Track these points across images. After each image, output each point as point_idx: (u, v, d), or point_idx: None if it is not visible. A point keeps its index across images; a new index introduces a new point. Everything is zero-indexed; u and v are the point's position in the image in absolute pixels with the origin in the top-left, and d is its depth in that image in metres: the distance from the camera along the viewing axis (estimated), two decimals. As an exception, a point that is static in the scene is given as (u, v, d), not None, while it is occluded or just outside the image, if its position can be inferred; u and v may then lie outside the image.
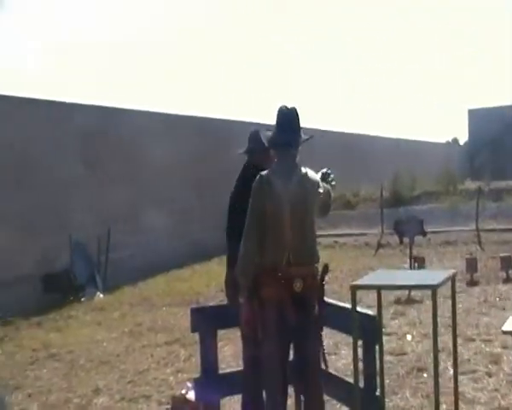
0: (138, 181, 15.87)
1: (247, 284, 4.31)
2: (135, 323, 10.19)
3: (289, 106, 4.45)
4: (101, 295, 12.79)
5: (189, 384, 6.38)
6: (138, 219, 15.83)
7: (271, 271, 4.26)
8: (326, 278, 4.45)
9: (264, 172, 4.38)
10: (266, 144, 4.56)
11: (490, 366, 6.88)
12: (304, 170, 4.39)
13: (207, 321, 5.47)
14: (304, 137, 4.45)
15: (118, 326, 10.07)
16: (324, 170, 4.82)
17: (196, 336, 5.90)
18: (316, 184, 4.40)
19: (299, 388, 4.65)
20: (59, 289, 12.51)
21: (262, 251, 4.29)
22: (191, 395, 5.73)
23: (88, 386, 7.20)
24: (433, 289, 4.31)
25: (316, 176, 4.48)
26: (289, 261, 4.26)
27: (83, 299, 12.40)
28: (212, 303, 10.26)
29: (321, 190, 4.43)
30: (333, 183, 4.78)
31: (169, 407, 5.97)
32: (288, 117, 4.42)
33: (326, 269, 4.39)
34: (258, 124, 4.77)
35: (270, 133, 4.53)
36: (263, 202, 4.29)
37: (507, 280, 11.67)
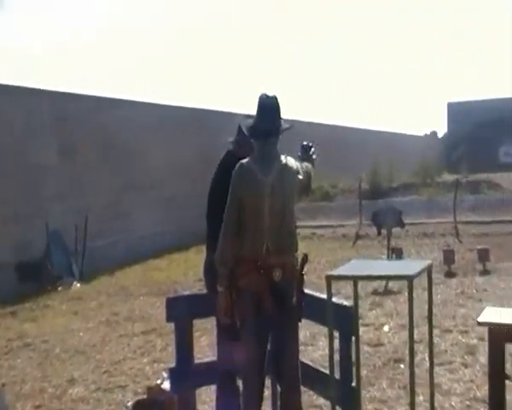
0: (118, 170, 15.75)
1: (225, 273, 4.27)
2: (112, 312, 10.12)
3: (270, 94, 4.41)
4: (78, 285, 12.69)
5: (165, 374, 6.35)
6: (116, 208, 15.72)
7: (250, 260, 4.23)
8: (305, 268, 4.42)
9: (244, 161, 4.34)
10: (246, 132, 4.51)
11: (466, 357, 6.92)
12: (284, 159, 4.36)
13: (183, 310, 5.43)
14: (284, 125, 4.41)
15: (94, 316, 9.99)
16: (305, 143, 4.79)
17: (172, 325, 5.88)
18: (296, 173, 4.37)
19: (277, 378, 4.61)
20: (35, 278, 12.39)
21: (241, 240, 4.26)
22: (166, 385, 5.70)
23: (63, 376, 7.14)
24: (410, 279, 4.29)
25: (295, 163, 4.43)
26: (268, 250, 4.22)
27: (59, 288, 12.29)
28: (186, 292, 10.22)
29: (301, 177, 4.39)
30: (314, 156, 4.75)
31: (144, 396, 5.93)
32: (268, 105, 4.38)
33: (305, 259, 4.36)
34: (247, 115, 4.70)
35: (250, 122, 4.48)
36: (242, 191, 4.25)
37: (484, 272, 11.73)
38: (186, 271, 13.36)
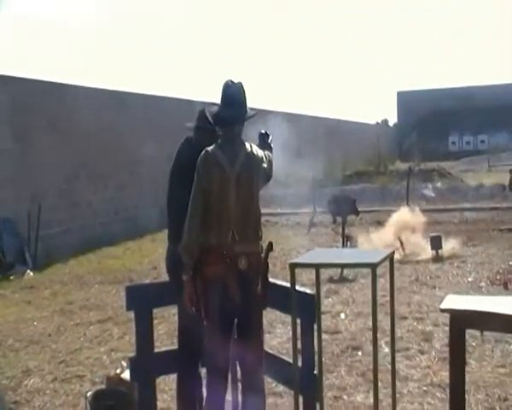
0: (73, 156, 15.52)
1: (190, 262, 4.24)
2: (66, 301, 9.99)
3: (235, 81, 4.38)
4: (31, 273, 12.49)
5: (124, 364, 6.31)
6: (71, 195, 15.51)
7: (216, 248, 4.21)
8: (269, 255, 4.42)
9: (209, 148, 4.32)
10: (211, 120, 4.47)
11: (422, 344, 7.02)
12: (249, 146, 4.34)
13: (143, 299, 5.39)
14: (250, 112, 4.39)
15: (49, 305, 9.85)
16: (263, 131, 4.79)
17: (130, 314, 5.83)
18: (261, 161, 4.37)
19: (240, 365, 4.61)
20: (-15, 267, 12.18)
21: (206, 228, 4.23)
22: (126, 375, 5.65)
23: (18, 367, 7.02)
24: (373, 267, 4.31)
25: (260, 152, 4.43)
26: (234, 239, 4.21)
27: (11, 277, 12.08)
28: (145, 281, 10.17)
29: (265, 165, 4.39)
30: (272, 144, 4.76)
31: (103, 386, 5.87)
32: (233, 92, 4.34)
33: (270, 247, 4.36)
34: (212, 103, 4.66)
35: (215, 109, 4.44)
36: (208, 179, 4.23)
37: (437, 259, 11.89)
38: (141, 259, 13.28)
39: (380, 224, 17.21)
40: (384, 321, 6.77)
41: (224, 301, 4.21)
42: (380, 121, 63.11)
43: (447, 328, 6.28)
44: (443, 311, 4.10)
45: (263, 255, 4.34)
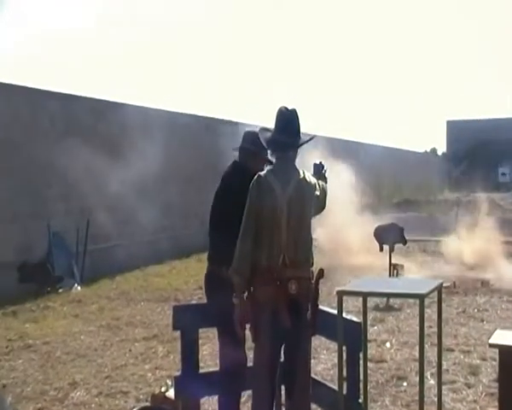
0: (121, 173, 15.71)
1: (241, 284, 4.28)
2: (113, 317, 10.11)
3: (289, 107, 4.42)
4: (79, 288, 12.66)
5: (169, 382, 6.36)
6: (119, 212, 15.69)
7: (266, 272, 4.24)
8: (320, 281, 4.44)
9: (262, 173, 4.37)
10: (265, 145, 4.52)
11: (469, 378, 6.91)
12: (302, 173, 4.38)
13: (190, 319, 5.43)
14: (303, 138, 4.43)
15: (95, 319, 9.97)
16: (317, 161, 4.82)
17: (175, 333, 5.87)
18: (313, 187, 4.40)
19: (287, 390, 4.61)
20: (36, 280, 12.36)
21: (257, 251, 4.26)
22: (170, 394, 5.69)
23: (64, 379, 7.12)
24: (421, 298, 4.30)
25: (313, 178, 4.46)
26: (285, 263, 4.24)
27: (60, 290, 12.27)
28: (190, 300, 10.23)
29: (317, 193, 4.42)
30: (326, 174, 4.78)
31: (148, 403, 5.93)
32: (288, 118, 4.39)
33: (321, 273, 4.37)
34: (265, 128, 4.69)
35: (268, 134, 4.49)
36: (260, 203, 4.26)
37: (485, 292, 11.71)
38: (187, 278, 13.35)
39: (427, 253, 17.09)
40: (430, 352, 6.72)
41: (273, 325, 4.22)
42: (428, 150, 62.66)
43: (495, 363, 6.22)
44: (492, 346, 4.07)
45: (313, 281, 4.36)
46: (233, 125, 19.19)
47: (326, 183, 4.73)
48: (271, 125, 4.51)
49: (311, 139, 4.49)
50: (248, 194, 4.33)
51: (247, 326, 4.41)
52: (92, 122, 14.83)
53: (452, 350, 7.91)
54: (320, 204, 4.54)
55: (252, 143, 4.96)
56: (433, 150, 65.20)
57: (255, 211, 4.28)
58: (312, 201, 4.39)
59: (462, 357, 7.66)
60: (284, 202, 4.26)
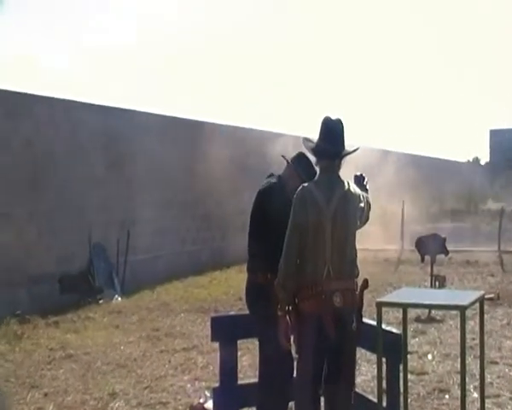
0: (162, 185, 15.82)
1: (285, 297, 4.26)
2: (152, 328, 10.14)
3: (334, 117, 4.40)
4: (119, 299, 12.75)
5: (208, 393, 6.35)
6: (159, 223, 15.79)
7: (311, 284, 4.22)
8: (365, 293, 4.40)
9: (305, 185, 4.35)
10: (310, 153, 4.51)
11: (514, 391, 6.77)
12: (346, 184, 4.34)
13: (228, 330, 5.44)
14: (348, 149, 4.40)
15: (135, 330, 10.02)
16: (358, 173, 4.77)
17: (215, 343, 5.86)
18: (358, 199, 4.36)
19: (329, 403, 4.56)
20: (76, 290, 12.47)
21: (302, 264, 4.25)
22: (209, 405, 5.69)
23: (104, 389, 7.16)
24: (462, 310, 4.22)
25: (357, 190, 4.42)
26: (330, 275, 4.21)
27: (101, 301, 12.35)
28: (230, 311, 10.21)
29: (362, 205, 4.38)
30: (367, 186, 4.74)
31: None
32: (332, 127, 4.38)
33: (366, 284, 4.33)
34: (307, 138, 4.65)
35: (311, 144, 4.47)
36: (305, 215, 4.25)
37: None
38: (227, 289, 13.34)
39: (470, 264, 16.85)
40: (473, 365, 6.60)
41: (318, 337, 4.19)
42: (471, 159, 61.96)
43: (541, 376, 6.08)
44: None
45: (358, 293, 4.32)
46: (277, 136, 19.21)
47: (367, 194, 4.69)
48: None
49: (355, 150, 4.46)
50: (292, 207, 4.32)
51: (292, 338, 4.39)
52: (132, 135, 14.92)
53: (496, 363, 7.76)
54: (364, 216, 4.50)
55: (307, 174, 4.88)
56: (476, 160, 64.43)
57: (299, 224, 4.26)
58: (357, 213, 4.36)
59: (506, 370, 7.51)
60: (329, 215, 4.24)
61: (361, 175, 4.79)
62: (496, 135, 59.99)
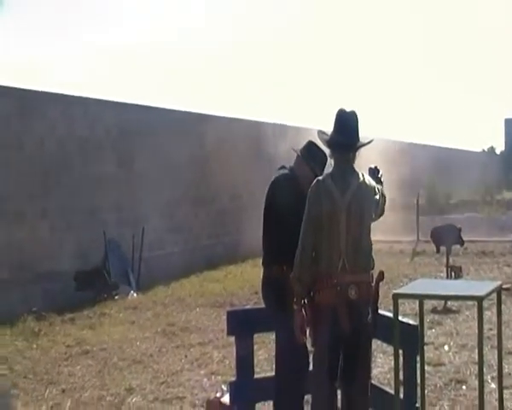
0: (175, 180, 15.83)
1: (301, 291, 4.26)
2: (168, 323, 10.15)
3: (348, 109, 4.39)
4: (135, 294, 12.77)
5: (224, 388, 6.34)
6: (173, 219, 15.81)
7: (326, 277, 4.21)
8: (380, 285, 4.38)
9: (320, 177, 4.34)
10: (325, 146, 4.49)
11: (532, 382, 6.71)
12: (361, 176, 4.33)
13: (244, 325, 5.42)
14: (363, 141, 4.38)
15: (151, 326, 10.04)
16: (372, 166, 4.75)
17: (230, 338, 5.86)
18: (373, 191, 4.35)
19: (346, 395, 4.55)
20: (92, 287, 12.50)
21: (317, 257, 4.24)
22: (226, 399, 5.68)
23: (121, 385, 7.18)
24: (479, 300, 4.18)
25: (372, 182, 4.40)
26: (345, 268, 4.20)
27: (116, 297, 12.38)
28: (246, 305, 10.22)
29: (377, 197, 4.36)
30: (382, 179, 4.71)
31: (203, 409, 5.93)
32: (347, 120, 4.36)
33: (381, 276, 4.31)
34: (321, 131, 4.63)
35: (326, 136, 4.45)
36: (320, 208, 4.24)
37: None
38: (242, 284, 13.34)
39: (485, 254, 16.75)
40: (490, 355, 6.54)
41: (333, 330, 4.18)
42: (486, 149, 61.57)
43: (559, 366, 6.04)
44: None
45: (373, 285, 4.30)
46: (292, 129, 19.18)
47: (382, 187, 4.67)
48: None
49: (370, 142, 4.44)
50: (307, 199, 4.31)
51: (307, 331, 4.39)
52: (145, 131, 14.92)
53: (514, 353, 7.70)
54: (380, 209, 4.48)
55: (317, 161, 4.89)
56: (491, 149, 64.02)
57: (314, 216, 4.25)
58: (372, 205, 4.34)
59: (524, 360, 7.45)
60: (343, 207, 4.22)
61: (375, 168, 4.77)
62: (511, 124, 59.54)
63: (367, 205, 4.29)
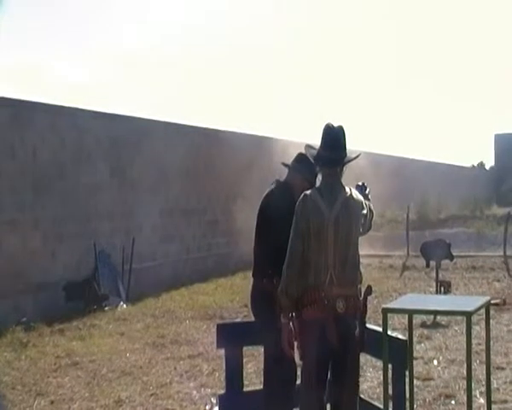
0: (167, 192, 15.85)
1: (288, 305, 4.27)
2: (158, 335, 10.14)
3: (335, 124, 4.42)
4: (125, 306, 12.74)
5: (213, 400, 6.35)
6: (164, 230, 15.81)
7: (314, 290, 4.22)
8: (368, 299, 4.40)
9: (308, 192, 4.36)
10: (312, 161, 4.53)
11: (520, 397, 6.74)
12: (348, 190, 4.35)
13: (233, 337, 5.44)
14: (350, 156, 4.41)
15: (141, 337, 10.02)
16: (360, 183, 4.79)
17: (220, 350, 5.87)
18: (360, 205, 4.37)
19: (335, 409, 4.56)
20: (82, 298, 12.47)
21: (305, 270, 4.26)
22: (215, 412, 5.69)
23: (110, 397, 7.16)
24: (468, 315, 4.22)
25: (360, 196, 4.44)
26: (332, 281, 4.21)
27: (106, 308, 12.36)
28: (236, 318, 10.21)
29: (364, 212, 4.39)
30: (369, 196, 4.75)
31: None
32: (334, 135, 4.39)
33: (369, 290, 4.34)
34: (309, 145, 4.67)
35: (314, 151, 4.49)
36: (307, 220, 4.26)
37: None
38: (232, 296, 13.34)
39: (475, 269, 16.80)
40: (479, 370, 6.59)
41: (321, 343, 4.20)
42: (475, 164, 61.82)
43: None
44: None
45: (361, 299, 4.32)
46: (282, 142, 19.22)
47: (370, 203, 4.70)
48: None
49: (357, 157, 4.48)
50: (295, 213, 4.33)
51: (295, 345, 4.40)
52: (136, 142, 14.94)
53: (503, 369, 7.73)
54: (367, 224, 4.51)
55: (310, 171, 4.92)
56: (481, 164, 64.30)
57: (302, 230, 4.27)
58: (360, 219, 4.37)
59: (512, 375, 7.48)
60: (331, 221, 4.25)
61: (363, 184, 4.80)
62: (501, 139, 59.80)
63: (354, 219, 4.32)
